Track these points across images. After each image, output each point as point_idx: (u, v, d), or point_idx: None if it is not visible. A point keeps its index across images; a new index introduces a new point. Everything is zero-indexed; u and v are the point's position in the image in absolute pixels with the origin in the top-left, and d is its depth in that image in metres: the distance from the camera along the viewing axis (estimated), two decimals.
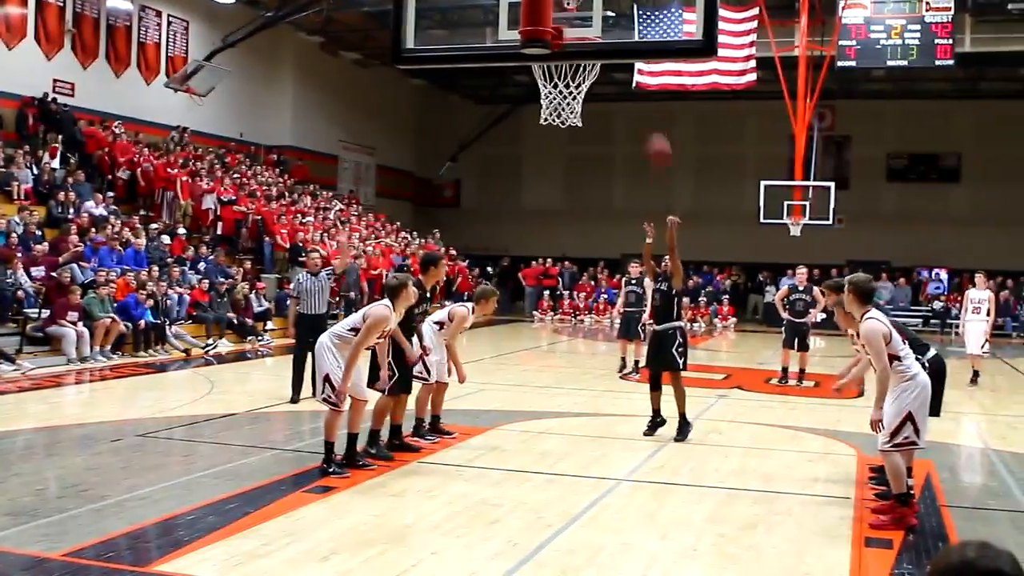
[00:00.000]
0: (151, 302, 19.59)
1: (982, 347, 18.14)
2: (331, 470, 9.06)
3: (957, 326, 31.74)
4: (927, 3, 26.43)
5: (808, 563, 6.92)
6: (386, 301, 9.19)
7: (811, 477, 9.71)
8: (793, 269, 18.92)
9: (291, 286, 14.67)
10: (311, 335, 12.74)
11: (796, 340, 16.83)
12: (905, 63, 27.30)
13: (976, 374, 17.98)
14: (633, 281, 17.54)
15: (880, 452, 7.92)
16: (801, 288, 17.03)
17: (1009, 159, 35.68)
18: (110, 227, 21.23)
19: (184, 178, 25.21)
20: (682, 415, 11.43)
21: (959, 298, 33.42)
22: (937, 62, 26.75)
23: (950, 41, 26.38)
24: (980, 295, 18.36)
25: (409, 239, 33.19)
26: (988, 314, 18.19)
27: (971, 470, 10.32)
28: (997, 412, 14.94)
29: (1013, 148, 35.62)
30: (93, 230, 20.90)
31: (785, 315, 17.03)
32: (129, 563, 6.60)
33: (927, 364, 8.34)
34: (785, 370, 17.04)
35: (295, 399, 13.62)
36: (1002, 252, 34.20)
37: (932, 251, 34.97)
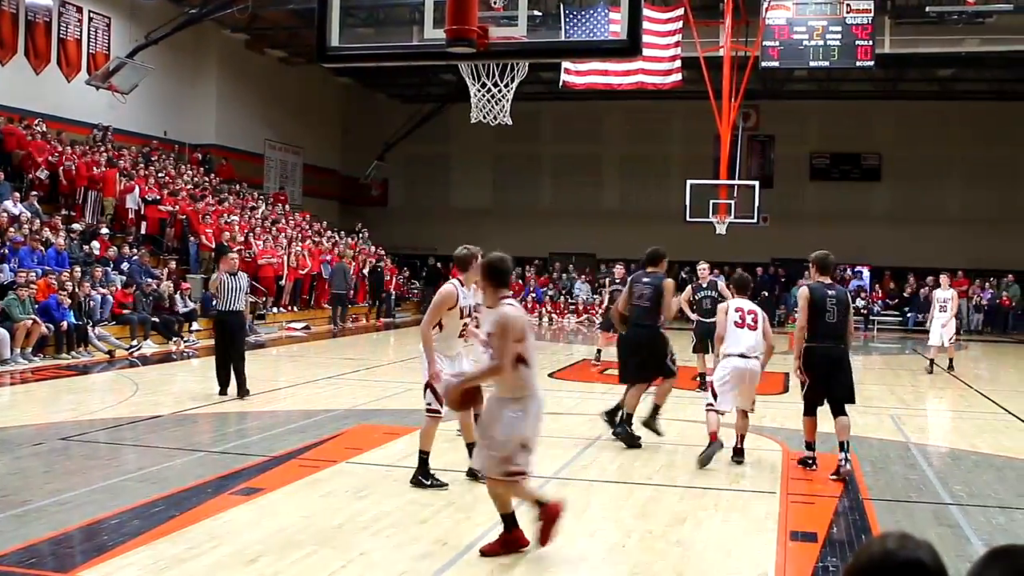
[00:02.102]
0: (69, 302, 19.23)
1: (950, 339, 19.99)
2: (428, 483, 8.79)
3: (879, 323, 32.66)
4: (848, 5, 26.84)
5: (735, 556, 7.01)
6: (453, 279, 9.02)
7: (737, 472, 9.83)
8: (720, 269, 18.79)
9: (211, 282, 15.31)
10: (229, 330, 14.24)
11: (709, 342, 13.91)
12: (827, 64, 27.73)
13: (951, 362, 20.35)
14: (617, 281, 16.76)
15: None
16: (705, 285, 15.88)
17: (928, 159, 36.41)
18: (27, 226, 20.77)
19: (113, 176, 24.80)
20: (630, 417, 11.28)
21: (881, 295, 34.29)
22: (858, 63, 27.15)
23: (870, 42, 26.79)
24: (944, 294, 20.05)
25: (337, 239, 33.00)
26: (952, 311, 19.93)
27: (892, 464, 10.51)
28: (917, 407, 15.24)
29: (932, 148, 36.36)
30: (12, 230, 20.47)
31: (694, 317, 15.87)
32: (52, 569, 6.50)
33: None
34: (703, 376, 15.45)
35: (223, 391, 14.14)
36: (922, 250, 34.93)
37: (854, 249, 35.55)
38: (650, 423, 11.23)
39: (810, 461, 9.96)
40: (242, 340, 14.94)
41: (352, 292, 30.23)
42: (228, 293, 14.06)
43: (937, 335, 19.88)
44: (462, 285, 8.92)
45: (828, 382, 9.71)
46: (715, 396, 10.09)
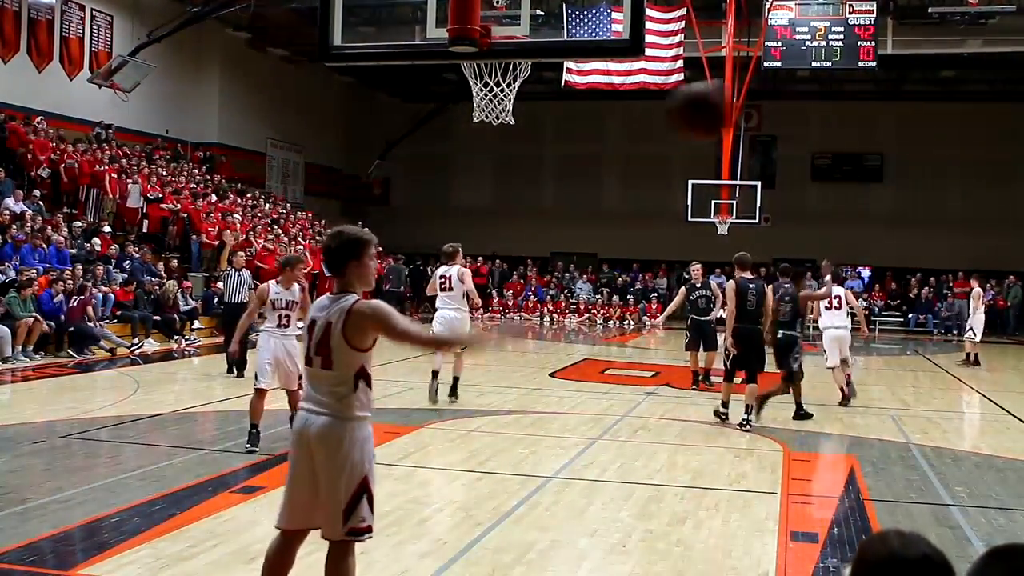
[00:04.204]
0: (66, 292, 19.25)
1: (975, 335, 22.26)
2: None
3: (879, 323, 32.61)
4: (850, 6, 26.85)
5: (735, 557, 7.00)
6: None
7: (738, 472, 9.83)
8: (721, 268, 19.23)
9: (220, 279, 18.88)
10: (233, 318, 15.64)
11: (702, 340, 16.14)
12: (829, 64, 27.71)
13: (975, 357, 21.99)
14: (698, 286, 16.36)
15: None
16: (699, 285, 16.31)
17: (930, 159, 36.38)
18: (29, 224, 20.76)
19: (112, 175, 24.79)
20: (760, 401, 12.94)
21: (882, 295, 34.26)
22: (860, 64, 27.17)
23: (873, 43, 26.81)
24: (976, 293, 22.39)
25: None
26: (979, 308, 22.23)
27: (893, 465, 10.50)
28: (918, 407, 15.22)
29: (933, 148, 36.33)
30: (14, 227, 20.45)
31: (689, 315, 16.34)
32: (53, 567, 6.50)
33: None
34: (696, 374, 16.27)
35: (230, 371, 16.34)
36: (922, 251, 34.93)
37: (856, 249, 35.54)
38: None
39: (723, 416, 12.62)
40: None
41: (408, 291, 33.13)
42: (233, 287, 16.68)
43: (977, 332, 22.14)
44: (277, 284, 10.37)
45: (747, 354, 12.43)
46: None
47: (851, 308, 15.30)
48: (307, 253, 28.65)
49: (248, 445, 10.12)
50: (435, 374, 13.67)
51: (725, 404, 12.71)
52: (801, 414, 13.12)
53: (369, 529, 5.00)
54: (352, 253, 5.09)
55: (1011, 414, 14.56)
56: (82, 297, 19.12)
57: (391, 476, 9.17)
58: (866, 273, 36.31)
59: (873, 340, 30.12)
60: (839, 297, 14.80)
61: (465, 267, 14.24)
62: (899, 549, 2.32)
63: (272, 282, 10.47)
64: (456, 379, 13.89)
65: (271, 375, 10.23)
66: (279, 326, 10.32)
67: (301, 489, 5.03)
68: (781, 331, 13.17)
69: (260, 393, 10.28)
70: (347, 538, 4.96)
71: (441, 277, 13.79)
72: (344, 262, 5.08)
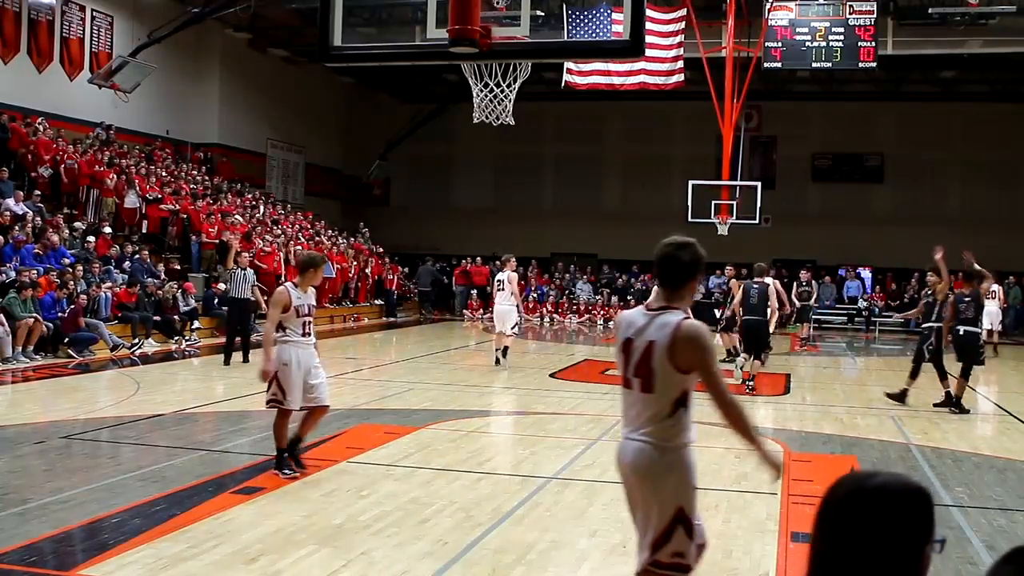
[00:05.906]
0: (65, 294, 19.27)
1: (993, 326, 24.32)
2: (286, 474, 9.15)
3: (879, 323, 32.59)
4: (851, 6, 26.83)
5: (735, 557, 7.00)
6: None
7: (738, 473, 9.82)
8: (721, 269, 19.68)
9: (222, 277, 21.35)
10: (238, 313, 18.40)
11: None
12: (829, 65, 27.67)
13: (994, 348, 24.44)
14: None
15: None
16: None
17: (930, 160, 36.35)
18: (30, 225, 20.74)
19: (112, 176, 24.77)
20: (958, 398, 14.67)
21: (882, 295, 34.24)
22: (860, 64, 27.13)
23: (873, 44, 26.77)
24: (992, 288, 23.77)
25: (337, 238, 32.97)
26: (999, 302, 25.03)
27: (893, 465, 10.50)
28: (919, 408, 15.22)
29: (934, 149, 36.31)
30: (16, 228, 20.43)
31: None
32: (53, 567, 6.50)
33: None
34: None
35: (226, 362, 17.85)
36: (922, 251, 34.74)
37: (856, 250, 35.54)
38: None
39: (750, 387, 15.43)
40: (249, 320, 18.67)
41: (434, 290, 36.52)
42: (238, 284, 18.07)
43: (989, 323, 23.30)
44: (296, 287, 9.17)
45: (749, 338, 15.95)
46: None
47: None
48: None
49: (282, 473, 8.97)
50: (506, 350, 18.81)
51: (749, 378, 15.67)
52: (959, 407, 14.56)
53: (687, 569, 4.53)
54: (698, 269, 4.87)
55: (1011, 414, 14.58)
56: (72, 307, 19.01)
57: (391, 476, 9.18)
58: (866, 274, 36.31)
59: (873, 340, 30.12)
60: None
61: (514, 271, 19.09)
62: (861, 479, 2.34)
63: (289, 285, 9.27)
64: (506, 348, 18.83)
65: (301, 394, 9.06)
66: (304, 335, 9.12)
67: (634, 516, 4.83)
68: (963, 328, 14.95)
69: (286, 414, 9.05)
70: (650, 568, 4.55)
71: (498, 280, 19.12)
72: (688, 277, 4.84)
